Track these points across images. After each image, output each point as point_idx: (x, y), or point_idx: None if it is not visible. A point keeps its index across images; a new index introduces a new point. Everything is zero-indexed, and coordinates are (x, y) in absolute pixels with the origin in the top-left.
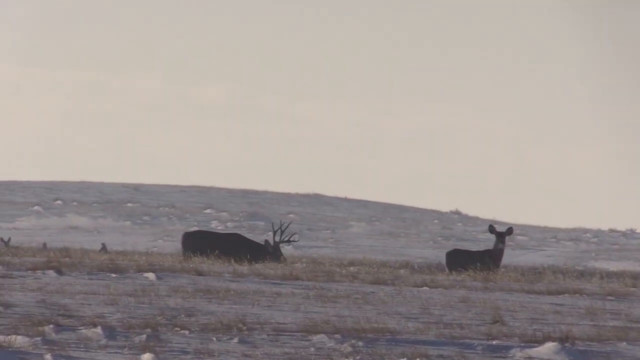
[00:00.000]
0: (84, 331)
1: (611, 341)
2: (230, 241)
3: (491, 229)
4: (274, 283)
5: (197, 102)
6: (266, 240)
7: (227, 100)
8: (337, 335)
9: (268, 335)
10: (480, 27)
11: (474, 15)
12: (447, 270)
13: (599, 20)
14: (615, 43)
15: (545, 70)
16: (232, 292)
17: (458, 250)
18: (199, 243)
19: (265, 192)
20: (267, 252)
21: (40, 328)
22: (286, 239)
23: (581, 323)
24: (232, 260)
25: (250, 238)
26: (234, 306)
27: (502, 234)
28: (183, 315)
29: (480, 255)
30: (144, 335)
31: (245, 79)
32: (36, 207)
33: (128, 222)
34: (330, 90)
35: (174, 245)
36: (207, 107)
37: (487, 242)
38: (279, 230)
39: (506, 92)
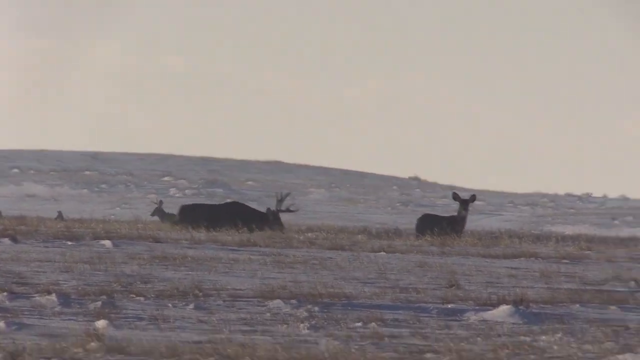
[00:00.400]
0: (38, 298)
1: (565, 303)
2: (229, 211)
3: (455, 196)
4: (231, 249)
5: (156, 70)
6: (268, 209)
7: (186, 69)
8: (293, 301)
9: (224, 301)
10: None
11: None
12: (416, 235)
13: None
14: (551, 6)
15: (498, 36)
16: (189, 258)
17: (428, 215)
18: (196, 215)
19: (224, 160)
20: (268, 220)
21: None
22: (285, 208)
23: (536, 286)
24: (234, 229)
25: (250, 206)
26: (190, 272)
27: (466, 201)
28: (139, 282)
29: (449, 220)
30: (99, 302)
31: (204, 48)
32: None
33: (85, 190)
34: (290, 59)
35: (132, 212)
36: (166, 75)
37: (445, 207)
38: (280, 199)
39: (461, 59)
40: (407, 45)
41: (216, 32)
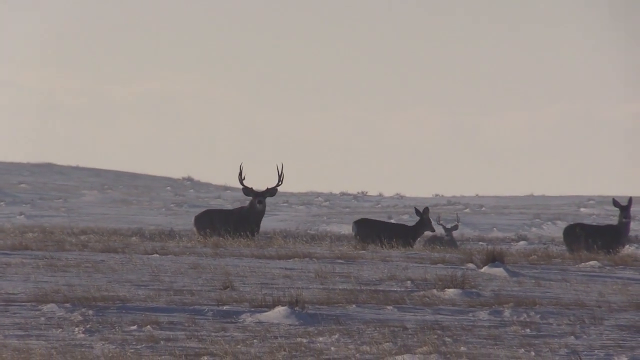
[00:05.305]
0: None
1: (341, 304)
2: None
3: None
4: (3, 253)
5: None
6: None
7: None
8: (67, 305)
9: None
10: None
11: None
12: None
13: None
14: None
15: (264, 36)
16: None
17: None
18: (209, 222)
19: None
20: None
21: None
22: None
23: (311, 287)
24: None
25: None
26: None
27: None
28: None
29: None
30: None
31: None
32: None
33: None
34: (56, 58)
35: None
36: None
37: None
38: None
39: (232, 58)
40: (177, 45)
41: None
